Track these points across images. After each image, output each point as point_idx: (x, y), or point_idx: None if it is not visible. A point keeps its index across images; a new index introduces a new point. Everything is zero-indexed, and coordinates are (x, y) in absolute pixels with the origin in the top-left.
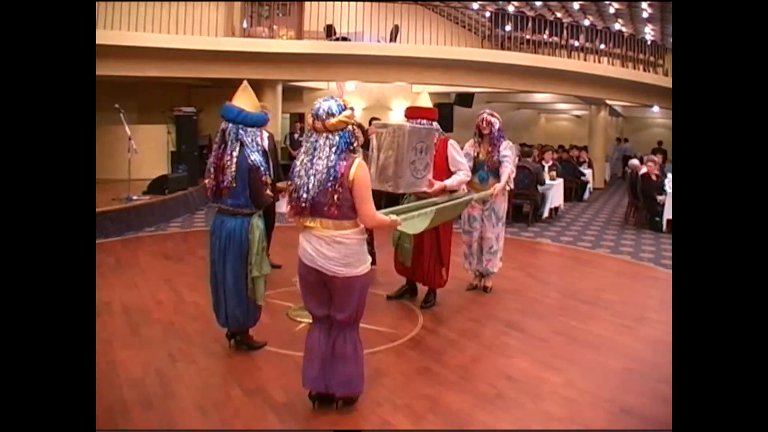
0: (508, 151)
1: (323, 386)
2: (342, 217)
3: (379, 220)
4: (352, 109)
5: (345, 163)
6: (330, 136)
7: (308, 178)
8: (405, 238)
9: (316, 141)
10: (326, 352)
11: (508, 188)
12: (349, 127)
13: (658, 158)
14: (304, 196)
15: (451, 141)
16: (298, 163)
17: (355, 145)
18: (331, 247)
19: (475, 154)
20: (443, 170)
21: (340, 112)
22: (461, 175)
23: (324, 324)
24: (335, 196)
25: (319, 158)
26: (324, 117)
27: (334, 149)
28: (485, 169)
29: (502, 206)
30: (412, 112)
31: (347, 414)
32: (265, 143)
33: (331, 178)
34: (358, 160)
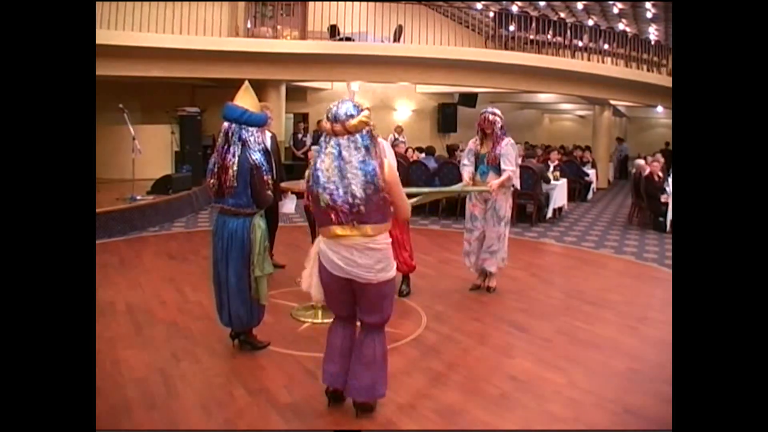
0: (509, 149)
1: (340, 383)
2: (380, 221)
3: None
4: (369, 109)
5: (376, 163)
6: (352, 137)
7: (343, 184)
8: None
9: (338, 144)
10: (347, 349)
11: (512, 189)
12: (368, 127)
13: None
14: (351, 200)
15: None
16: (321, 168)
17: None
18: (364, 254)
19: (477, 150)
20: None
21: (358, 113)
22: None
23: (347, 322)
24: (376, 202)
25: (350, 161)
26: (344, 119)
27: (363, 150)
28: (486, 164)
29: (504, 206)
30: None
31: (350, 413)
32: (268, 143)
33: (370, 180)
34: (387, 161)
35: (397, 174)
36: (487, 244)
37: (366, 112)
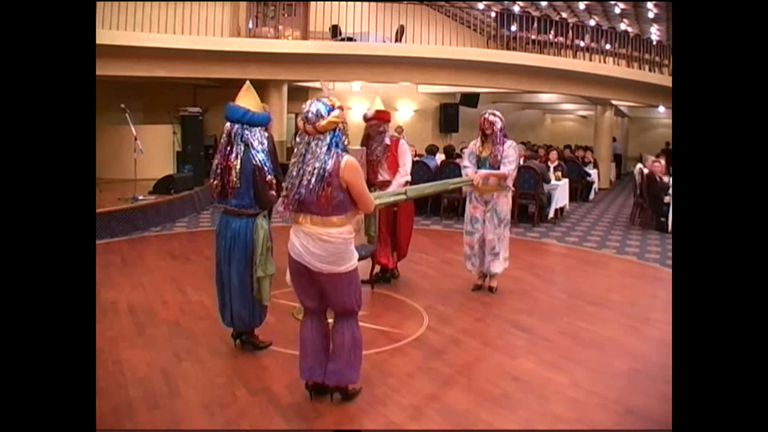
0: (511, 150)
1: (318, 376)
2: (329, 214)
3: (373, 208)
4: (340, 108)
5: (333, 162)
6: (321, 137)
7: (300, 179)
8: (370, 226)
9: (308, 144)
10: (318, 342)
11: (511, 190)
12: (339, 126)
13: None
14: (295, 194)
15: (402, 141)
16: (291, 165)
17: (345, 143)
18: (317, 245)
19: (478, 152)
20: (396, 167)
21: (328, 113)
22: (398, 178)
23: (315, 315)
24: (322, 195)
25: (311, 159)
26: (314, 120)
27: (326, 149)
28: (488, 166)
29: (504, 208)
30: (376, 114)
31: (352, 414)
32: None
33: (320, 178)
34: (346, 158)
35: (359, 173)
36: (489, 246)
37: (336, 112)
